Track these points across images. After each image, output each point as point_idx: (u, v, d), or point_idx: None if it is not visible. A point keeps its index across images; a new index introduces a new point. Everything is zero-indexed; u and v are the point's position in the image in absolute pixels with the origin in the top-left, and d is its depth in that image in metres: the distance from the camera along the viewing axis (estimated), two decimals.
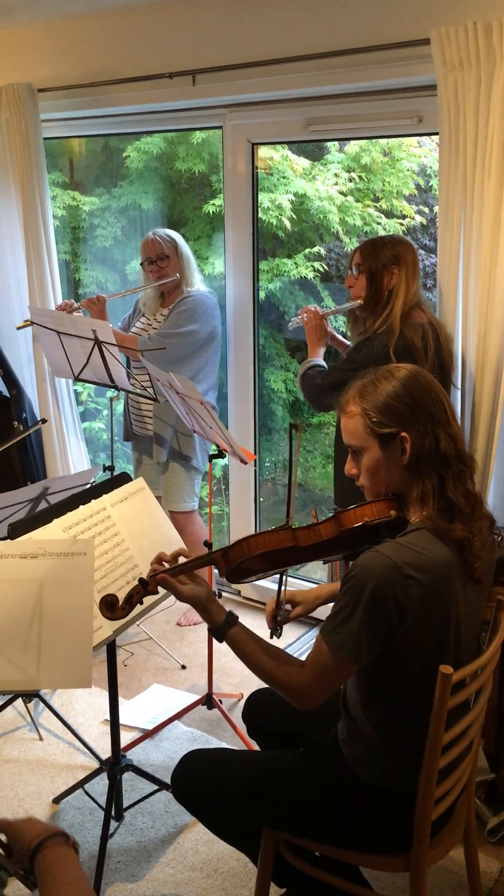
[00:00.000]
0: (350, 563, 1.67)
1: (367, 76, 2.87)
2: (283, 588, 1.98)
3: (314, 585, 3.73)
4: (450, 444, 1.68)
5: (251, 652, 1.74)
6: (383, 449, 1.70)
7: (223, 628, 1.76)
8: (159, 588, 1.81)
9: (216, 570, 1.85)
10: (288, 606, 2.07)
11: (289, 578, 2.35)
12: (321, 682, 1.66)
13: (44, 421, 3.83)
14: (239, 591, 3.98)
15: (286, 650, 1.86)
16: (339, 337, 2.98)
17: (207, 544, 2.89)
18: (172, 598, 1.85)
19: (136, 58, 3.48)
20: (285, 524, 1.81)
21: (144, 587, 1.78)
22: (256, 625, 3.66)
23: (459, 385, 2.74)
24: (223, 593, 3.99)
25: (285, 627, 2.03)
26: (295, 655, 1.79)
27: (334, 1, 2.89)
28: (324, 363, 2.82)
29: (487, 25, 2.42)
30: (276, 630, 2.00)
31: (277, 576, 1.94)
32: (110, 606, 1.76)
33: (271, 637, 2.00)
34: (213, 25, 3.23)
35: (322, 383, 2.67)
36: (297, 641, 3.58)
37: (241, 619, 1.80)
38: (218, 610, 1.78)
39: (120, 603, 1.77)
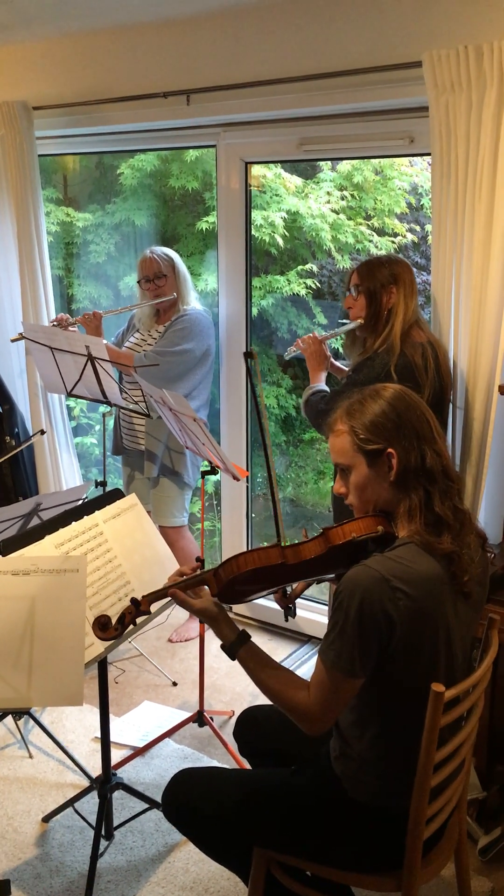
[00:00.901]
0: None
1: (360, 97, 2.90)
2: None
3: (311, 604, 3.75)
4: (436, 460, 1.70)
5: (260, 672, 1.75)
6: (370, 466, 1.72)
7: (235, 647, 1.77)
8: (152, 607, 1.81)
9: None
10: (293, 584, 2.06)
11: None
12: (324, 703, 1.65)
13: (42, 432, 3.81)
14: (230, 608, 3.97)
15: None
16: (337, 363, 2.98)
17: (199, 560, 2.89)
18: (164, 614, 1.85)
19: (131, 77, 3.51)
20: (275, 542, 1.82)
21: (137, 607, 1.78)
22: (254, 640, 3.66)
23: (453, 402, 2.75)
24: None
25: (279, 642, 2.03)
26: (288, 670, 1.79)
27: (328, 23, 2.93)
28: (326, 388, 2.83)
29: (479, 49, 2.45)
30: (289, 610, 1.99)
31: (269, 591, 1.94)
32: (103, 627, 1.77)
33: (286, 619, 2.00)
34: (207, 46, 3.26)
35: (325, 408, 2.67)
36: (290, 657, 3.57)
37: None
38: (230, 626, 1.79)
39: (113, 623, 1.77)
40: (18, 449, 3.73)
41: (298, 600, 3.75)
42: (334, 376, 3.00)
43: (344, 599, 1.59)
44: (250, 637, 1.79)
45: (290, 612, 2.01)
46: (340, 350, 2.93)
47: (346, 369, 2.99)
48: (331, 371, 2.95)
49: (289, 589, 2.02)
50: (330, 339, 2.92)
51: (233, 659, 1.78)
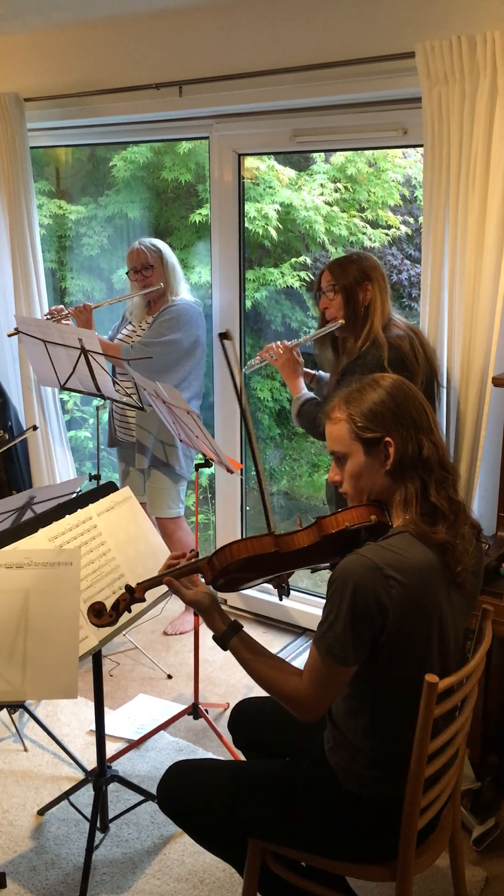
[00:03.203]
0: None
1: (353, 88, 2.89)
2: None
3: (306, 596, 3.76)
4: (432, 451, 1.70)
5: (253, 661, 1.75)
6: (367, 454, 1.72)
7: (226, 636, 1.77)
8: (146, 595, 1.81)
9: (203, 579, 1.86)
10: None
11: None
12: (318, 690, 1.66)
13: (35, 428, 3.81)
14: (225, 601, 3.97)
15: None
16: (305, 368, 2.94)
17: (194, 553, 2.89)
18: (158, 607, 1.85)
19: (124, 68, 3.50)
20: (268, 531, 1.82)
21: (131, 594, 1.78)
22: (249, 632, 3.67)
23: (445, 385, 2.75)
24: None
25: (274, 634, 2.03)
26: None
27: (321, 14, 2.92)
28: (313, 394, 2.81)
29: (472, 39, 2.45)
30: (282, 589, 1.99)
31: (264, 579, 1.94)
32: (98, 613, 1.77)
33: (280, 598, 1.98)
34: (200, 37, 3.25)
35: (322, 414, 2.66)
36: (286, 649, 3.58)
37: None
38: (221, 617, 1.79)
39: (107, 610, 1.77)
40: (10, 444, 3.72)
41: (294, 592, 3.78)
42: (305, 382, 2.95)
43: (337, 588, 1.59)
44: (242, 627, 1.80)
45: (283, 591, 2.01)
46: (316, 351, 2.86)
47: (314, 372, 2.97)
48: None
49: None
50: (305, 343, 2.88)
51: (224, 649, 1.78)
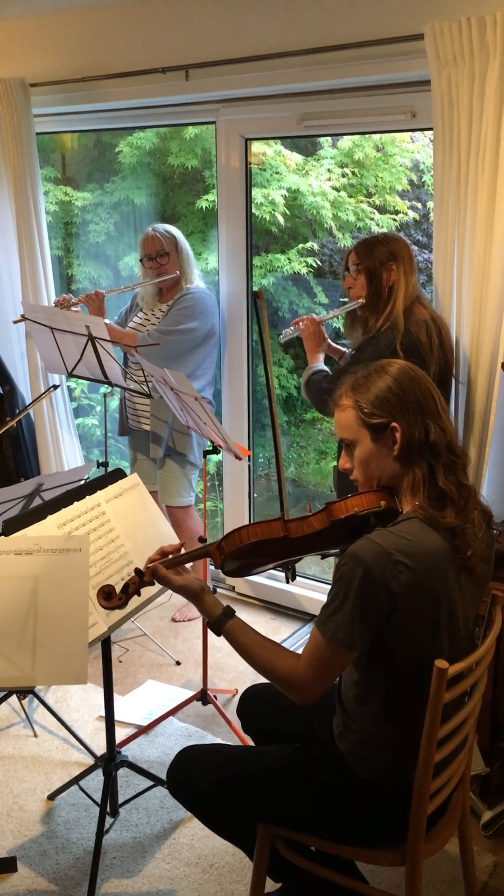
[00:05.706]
0: None
1: (361, 71, 2.86)
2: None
3: (314, 583, 3.76)
4: (440, 435, 1.70)
5: (248, 645, 1.75)
6: (375, 440, 1.72)
7: (220, 621, 1.77)
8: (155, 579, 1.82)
9: (211, 566, 1.86)
10: None
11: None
12: (318, 673, 1.66)
13: (56, 387, 3.70)
14: (233, 587, 3.98)
15: (281, 643, 1.86)
16: (335, 344, 2.98)
17: (202, 540, 2.89)
18: (167, 593, 1.85)
19: (129, 52, 3.47)
20: (279, 516, 1.82)
21: (141, 577, 1.79)
22: (251, 620, 3.68)
23: (459, 378, 2.74)
24: (217, 589, 3.99)
25: (282, 621, 2.04)
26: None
27: None
28: (326, 368, 2.83)
29: (481, 20, 2.42)
30: (288, 572, 2.00)
31: (273, 565, 1.94)
32: (107, 596, 1.77)
33: (288, 582, 1.99)
34: (206, 20, 3.22)
35: (328, 387, 2.67)
36: (293, 636, 3.58)
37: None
38: (214, 602, 1.79)
39: (117, 592, 1.78)
40: (35, 402, 3.61)
41: (302, 579, 3.79)
42: (332, 357, 2.99)
43: (346, 572, 1.59)
44: (235, 612, 1.80)
45: (289, 575, 2.02)
46: (342, 329, 2.92)
47: (344, 350, 2.99)
48: (328, 352, 2.95)
49: None
50: (329, 320, 2.91)
51: (218, 634, 1.77)
